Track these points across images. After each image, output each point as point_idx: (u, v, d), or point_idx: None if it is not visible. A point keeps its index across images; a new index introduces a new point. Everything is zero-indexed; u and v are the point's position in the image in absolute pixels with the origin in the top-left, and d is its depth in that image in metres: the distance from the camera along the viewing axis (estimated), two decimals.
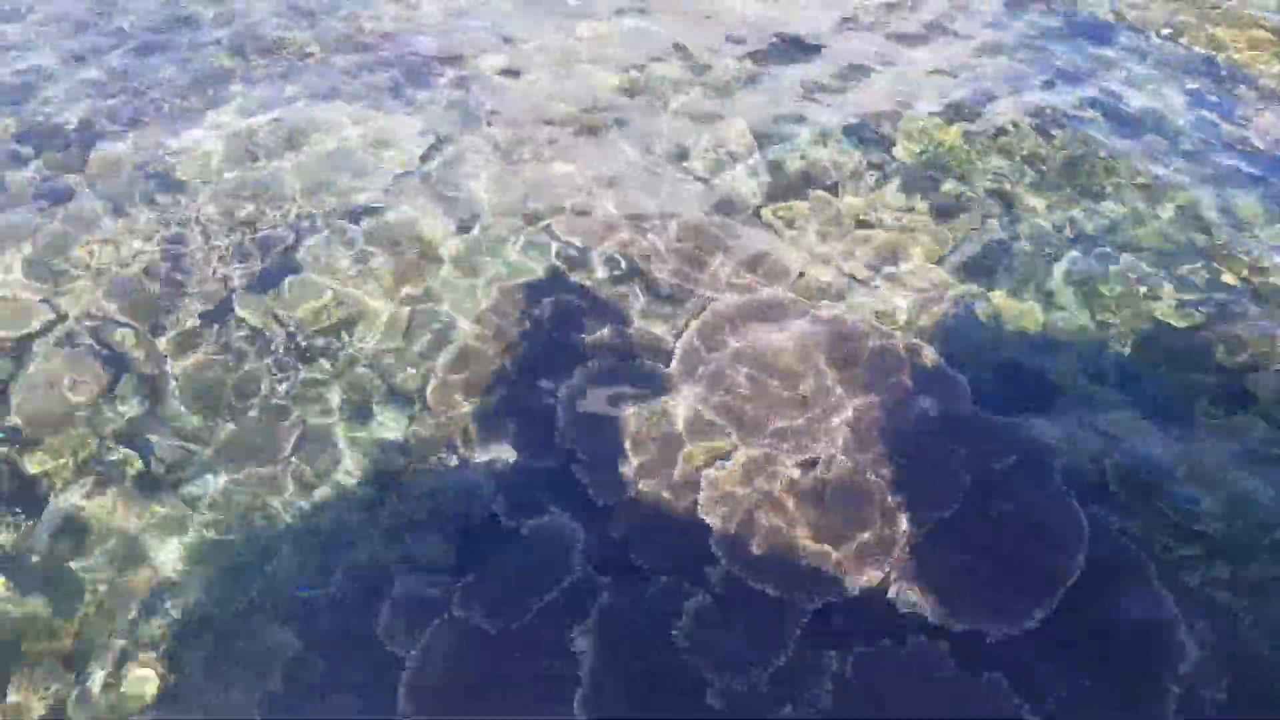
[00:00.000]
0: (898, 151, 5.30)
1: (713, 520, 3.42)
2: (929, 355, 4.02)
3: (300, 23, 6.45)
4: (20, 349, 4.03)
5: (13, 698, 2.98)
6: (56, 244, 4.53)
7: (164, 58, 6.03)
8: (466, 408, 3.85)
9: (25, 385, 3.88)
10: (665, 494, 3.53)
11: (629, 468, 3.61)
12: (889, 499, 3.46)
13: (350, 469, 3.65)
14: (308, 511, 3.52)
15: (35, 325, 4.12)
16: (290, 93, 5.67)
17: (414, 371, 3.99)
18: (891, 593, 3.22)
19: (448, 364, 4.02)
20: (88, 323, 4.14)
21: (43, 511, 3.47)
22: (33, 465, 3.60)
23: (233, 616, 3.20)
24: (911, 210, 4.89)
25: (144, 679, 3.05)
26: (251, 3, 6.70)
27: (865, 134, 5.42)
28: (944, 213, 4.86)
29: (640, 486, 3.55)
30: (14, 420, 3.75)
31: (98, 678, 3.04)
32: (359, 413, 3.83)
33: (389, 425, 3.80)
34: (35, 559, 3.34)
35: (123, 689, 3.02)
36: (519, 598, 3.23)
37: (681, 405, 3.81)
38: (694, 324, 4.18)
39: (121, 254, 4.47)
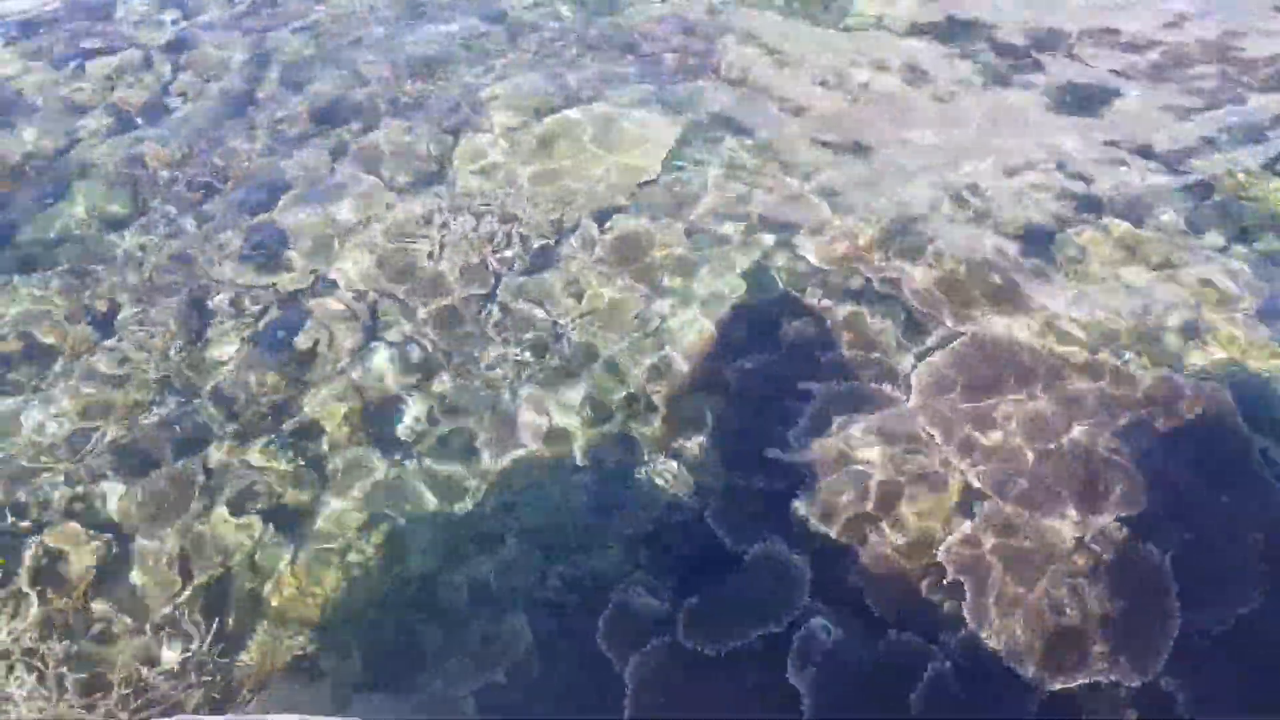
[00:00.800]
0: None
1: (960, 579, 3.14)
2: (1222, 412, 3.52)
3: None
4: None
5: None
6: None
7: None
8: (693, 417, 3.74)
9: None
10: (905, 542, 3.28)
11: (868, 507, 3.37)
12: (1170, 585, 3.05)
13: (584, 466, 3.62)
14: (541, 505, 3.51)
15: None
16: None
17: (643, 377, 3.91)
18: (1163, 686, 2.84)
19: (675, 371, 3.93)
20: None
21: None
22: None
23: (458, 600, 3.24)
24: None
25: None
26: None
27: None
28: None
29: (881, 529, 3.32)
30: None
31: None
32: (598, 411, 3.79)
33: (622, 426, 3.74)
34: None
35: None
36: (740, 625, 3.08)
37: (931, 453, 3.53)
38: (947, 363, 3.88)
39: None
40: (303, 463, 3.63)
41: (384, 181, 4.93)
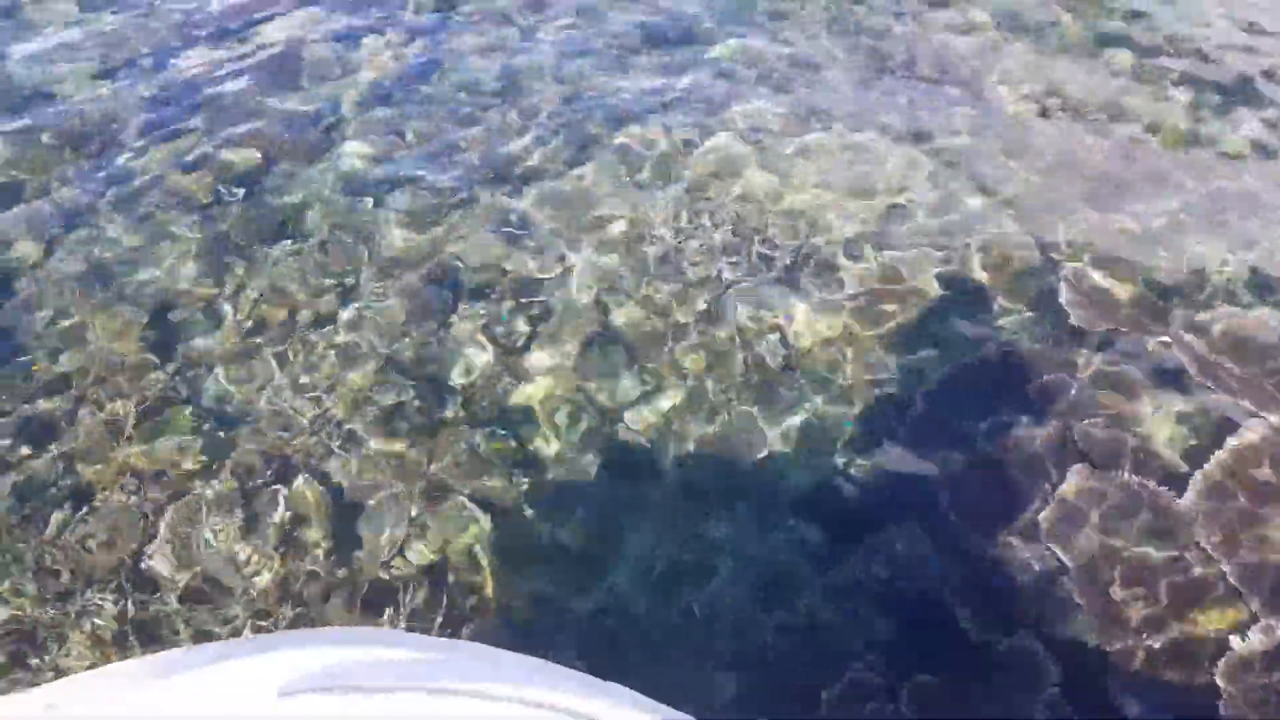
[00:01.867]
0: None
1: (1232, 696, 2.79)
2: None
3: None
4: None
5: None
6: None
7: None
8: (932, 469, 3.51)
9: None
10: (1169, 647, 2.95)
11: (1130, 605, 3.06)
12: None
13: (807, 507, 3.47)
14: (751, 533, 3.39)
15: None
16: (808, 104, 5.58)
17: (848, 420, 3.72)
18: None
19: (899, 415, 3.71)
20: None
21: None
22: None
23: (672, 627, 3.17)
24: None
25: None
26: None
27: None
28: None
29: (1140, 631, 3.00)
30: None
31: None
32: (819, 445, 3.64)
33: (850, 467, 3.57)
34: None
35: None
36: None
37: (1198, 554, 3.17)
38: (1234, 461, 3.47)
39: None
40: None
41: (631, 178, 4.92)
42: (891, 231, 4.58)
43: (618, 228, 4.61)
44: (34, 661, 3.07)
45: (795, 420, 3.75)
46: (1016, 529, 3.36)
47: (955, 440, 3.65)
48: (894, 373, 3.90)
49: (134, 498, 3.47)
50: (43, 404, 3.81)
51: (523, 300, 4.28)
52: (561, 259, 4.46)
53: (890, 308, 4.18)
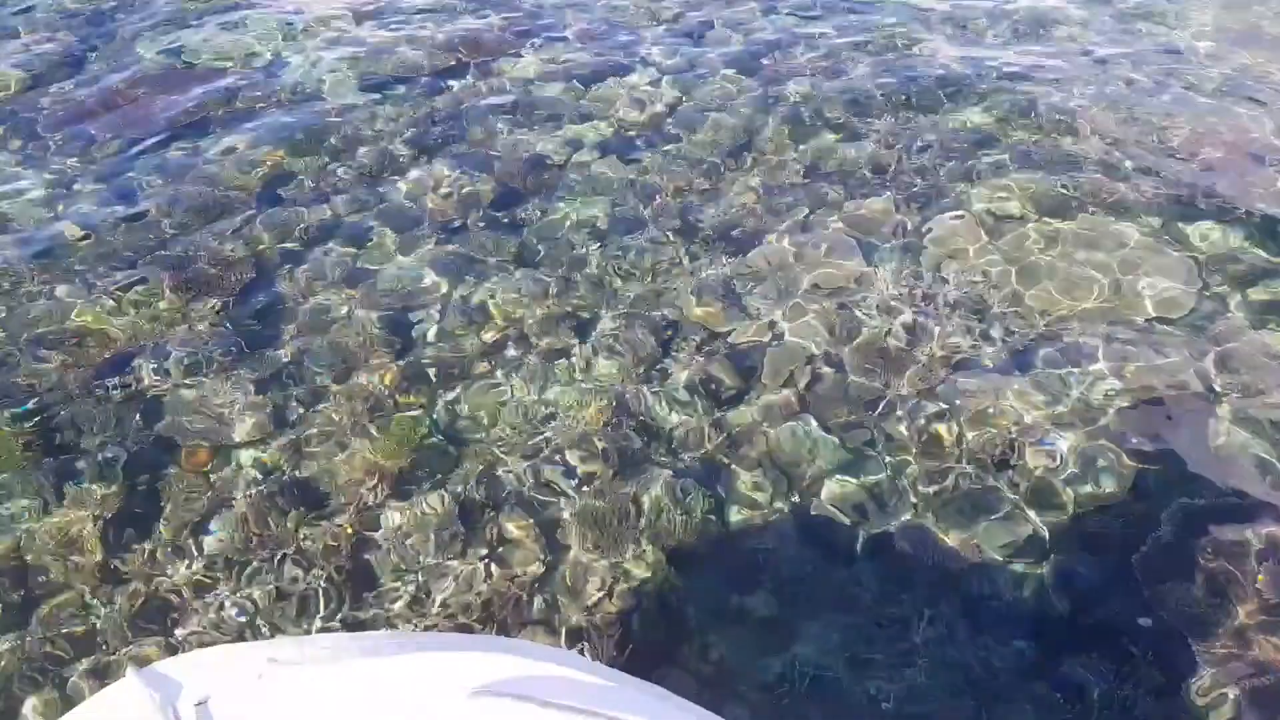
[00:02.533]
0: None
1: None
2: None
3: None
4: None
5: None
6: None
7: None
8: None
9: None
10: None
11: None
12: None
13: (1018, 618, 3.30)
14: None
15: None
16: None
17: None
18: None
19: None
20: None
21: None
22: None
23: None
24: None
25: None
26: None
27: None
28: None
29: None
30: None
31: None
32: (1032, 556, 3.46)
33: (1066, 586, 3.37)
34: None
35: None
36: None
37: None
38: None
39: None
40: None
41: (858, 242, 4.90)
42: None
43: (838, 295, 4.60)
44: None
45: (1009, 527, 3.59)
46: None
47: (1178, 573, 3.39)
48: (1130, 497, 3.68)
49: (368, 495, 3.72)
50: (294, 388, 4.17)
51: (737, 357, 4.33)
52: (774, 322, 4.49)
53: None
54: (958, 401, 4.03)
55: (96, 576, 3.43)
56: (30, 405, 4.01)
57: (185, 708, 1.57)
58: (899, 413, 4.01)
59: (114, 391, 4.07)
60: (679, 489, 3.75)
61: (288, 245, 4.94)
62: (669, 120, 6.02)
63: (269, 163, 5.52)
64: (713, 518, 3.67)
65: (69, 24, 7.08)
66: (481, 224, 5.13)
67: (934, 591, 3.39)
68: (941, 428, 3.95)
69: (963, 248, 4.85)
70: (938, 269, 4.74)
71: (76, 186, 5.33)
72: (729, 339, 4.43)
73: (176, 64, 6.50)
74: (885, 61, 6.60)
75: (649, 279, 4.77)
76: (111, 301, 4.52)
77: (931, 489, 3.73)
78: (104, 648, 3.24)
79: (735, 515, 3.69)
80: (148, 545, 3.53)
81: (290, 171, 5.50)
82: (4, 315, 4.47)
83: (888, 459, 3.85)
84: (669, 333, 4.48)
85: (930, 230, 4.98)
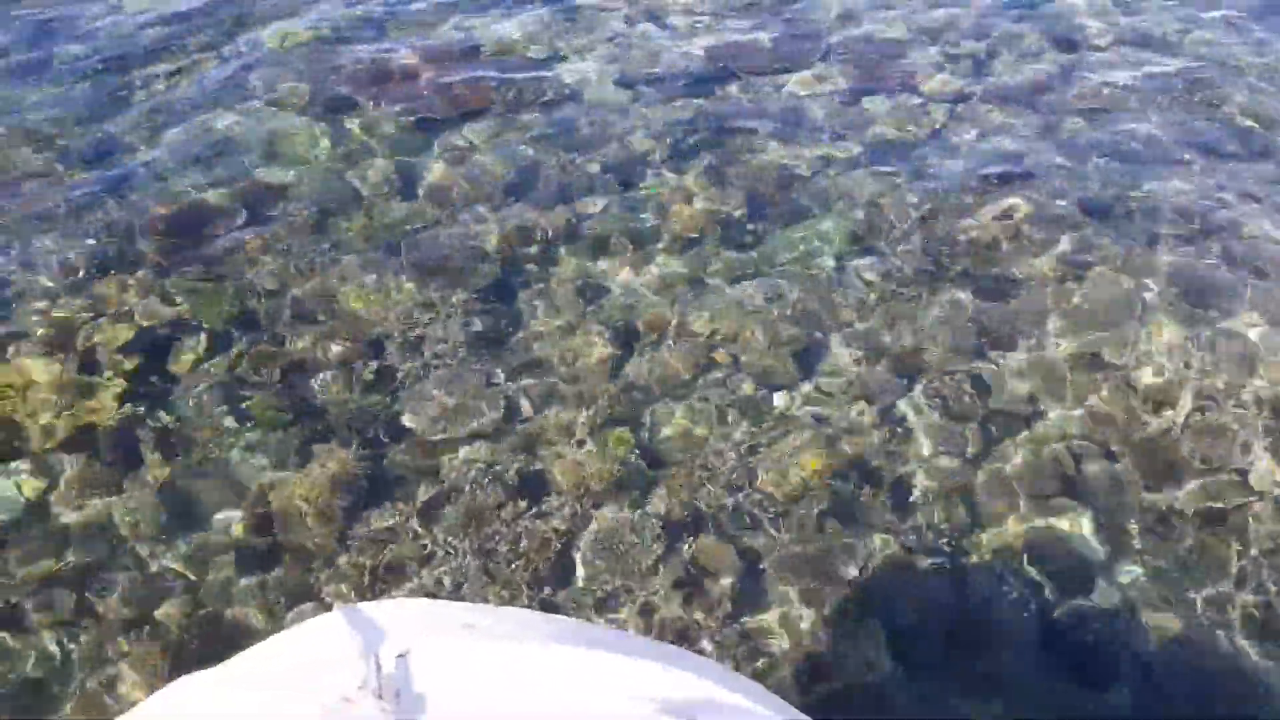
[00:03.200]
0: None
1: None
2: None
3: None
4: None
5: None
6: None
7: None
8: None
9: None
10: None
11: None
12: None
13: None
14: None
15: None
16: None
17: None
18: None
19: None
20: None
21: None
22: None
23: None
24: None
25: None
26: None
27: None
28: None
29: None
30: None
31: None
32: None
33: None
34: None
35: None
36: None
37: None
38: None
39: None
40: None
41: None
42: None
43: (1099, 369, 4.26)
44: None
45: None
46: None
47: None
48: None
49: (574, 504, 3.84)
50: (520, 383, 4.34)
51: (992, 419, 4.11)
52: (1031, 394, 4.21)
53: None
54: None
55: (326, 537, 3.73)
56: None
57: (386, 655, 1.56)
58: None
59: (365, 367, 4.37)
60: (902, 549, 3.61)
61: (529, 249, 5.05)
62: (928, 145, 5.77)
63: (525, 158, 5.72)
64: (929, 581, 3.51)
65: None
66: (721, 240, 5.11)
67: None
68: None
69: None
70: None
71: (366, 157, 5.76)
72: (978, 381, 4.21)
73: (467, 46, 6.84)
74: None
75: (888, 312, 4.60)
76: (373, 280, 4.82)
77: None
78: (325, 606, 3.50)
79: (963, 578, 3.53)
80: (375, 514, 3.80)
81: (537, 163, 5.67)
82: (277, 272, 4.87)
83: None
84: (913, 375, 4.30)
85: None
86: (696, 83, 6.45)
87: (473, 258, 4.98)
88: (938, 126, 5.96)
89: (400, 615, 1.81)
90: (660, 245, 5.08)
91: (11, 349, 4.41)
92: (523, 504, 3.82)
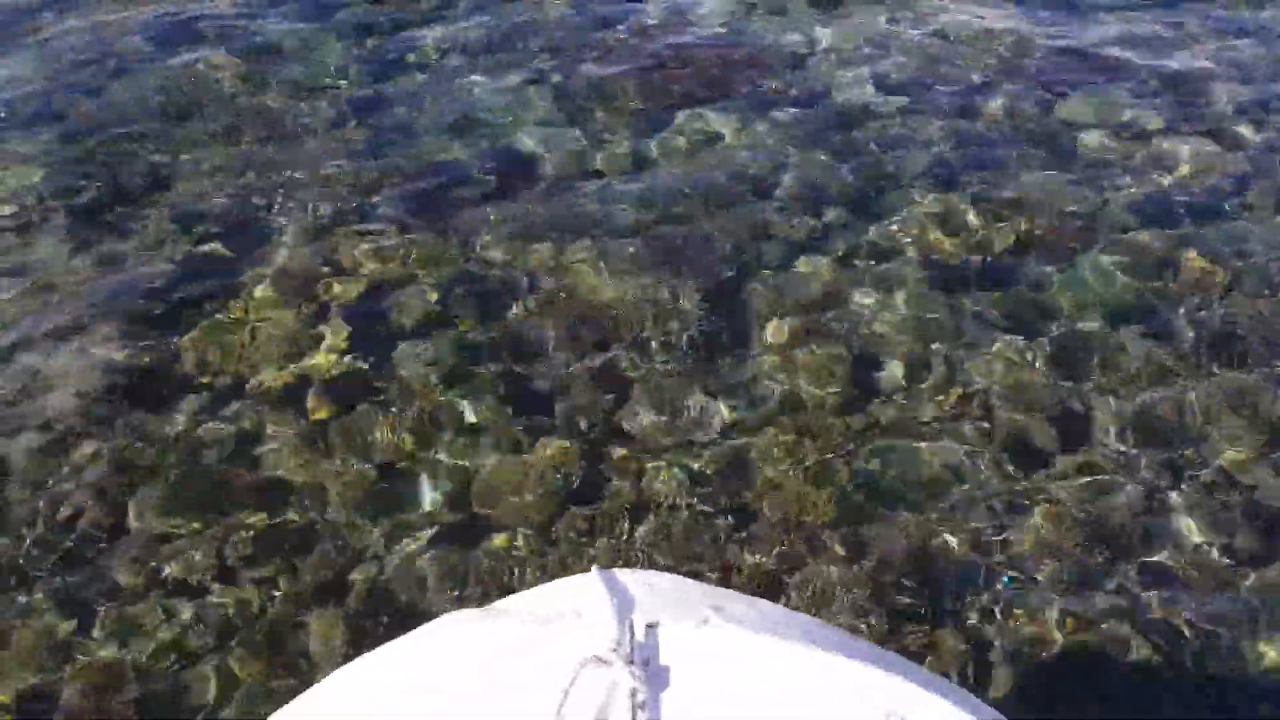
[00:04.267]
0: None
1: None
2: None
3: None
4: None
5: None
6: None
7: None
8: None
9: None
10: None
11: None
12: None
13: None
14: None
15: None
16: None
17: None
18: None
19: None
20: None
21: None
22: None
23: None
24: None
25: None
26: None
27: None
28: None
29: None
30: None
31: None
32: None
33: None
34: None
35: None
36: None
37: None
38: None
39: None
40: None
41: None
42: None
43: None
44: None
45: None
46: None
47: None
48: None
49: (784, 537, 3.48)
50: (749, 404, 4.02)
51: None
52: None
53: None
54: None
55: (535, 524, 3.55)
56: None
57: (638, 623, 1.60)
58: None
59: (592, 362, 4.16)
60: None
61: (767, 253, 4.72)
62: (1233, 199, 5.02)
63: (770, 155, 5.37)
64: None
65: None
66: (983, 275, 4.58)
67: None
68: None
69: None
70: None
71: (607, 139, 5.56)
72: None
73: (725, 34, 6.55)
74: None
75: (1163, 385, 3.98)
76: (608, 267, 4.62)
77: None
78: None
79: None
80: (581, 513, 3.58)
81: (783, 162, 5.31)
82: (512, 244, 4.75)
83: None
84: (1181, 459, 3.71)
85: None
86: (966, 94, 5.88)
87: (709, 257, 4.68)
88: (1244, 174, 5.18)
89: (653, 586, 1.85)
90: (911, 271, 4.59)
91: (247, 291, 4.46)
92: (730, 527, 3.51)
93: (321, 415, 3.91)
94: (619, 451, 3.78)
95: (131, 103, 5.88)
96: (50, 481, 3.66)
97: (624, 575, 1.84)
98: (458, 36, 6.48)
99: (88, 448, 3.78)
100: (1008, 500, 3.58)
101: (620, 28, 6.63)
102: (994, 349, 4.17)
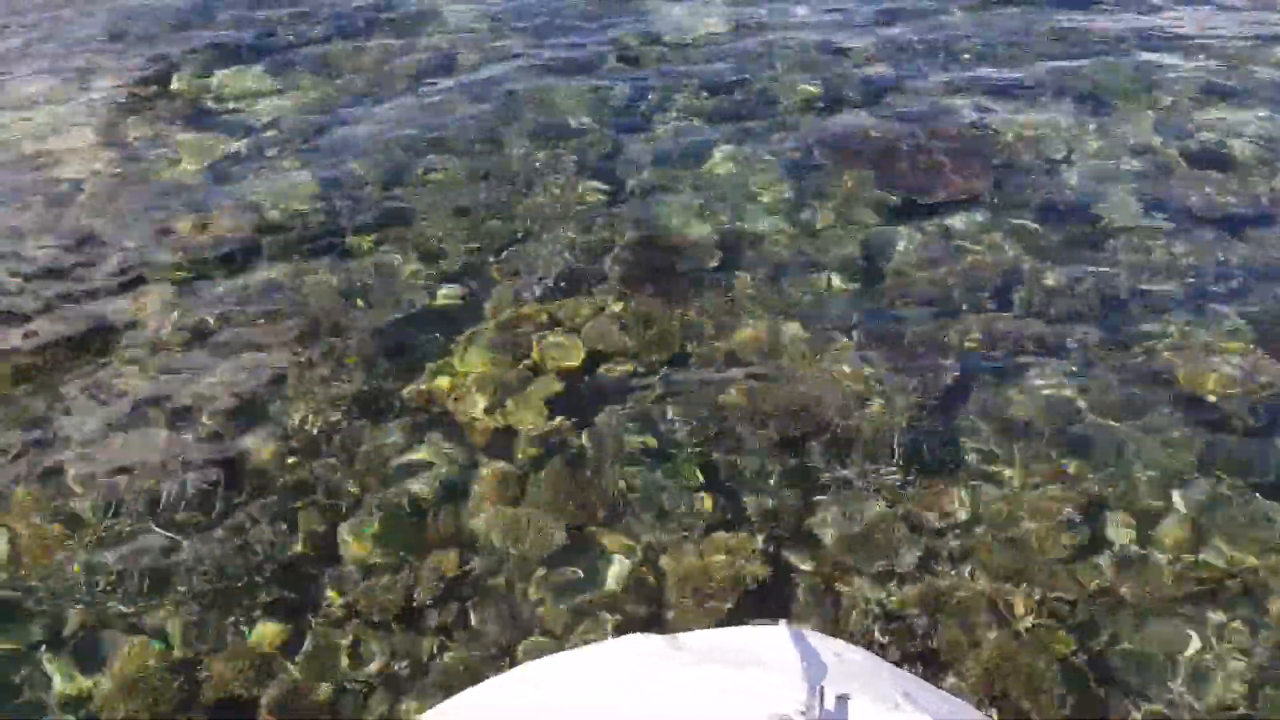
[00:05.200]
0: None
1: None
2: None
3: None
4: None
5: None
6: None
7: None
8: None
9: None
10: None
11: None
12: None
13: None
14: None
15: None
16: None
17: None
18: None
19: None
20: None
21: None
22: None
23: None
24: None
25: None
26: None
27: None
28: None
29: None
30: None
31: None
32: None
33: None
34: None
35: None
36: None
37: None
38: None
39: None
40: None
41: None
42: None
43: None
44: None
45: None
46: None
47: None
48: None
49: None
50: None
51: None
52: None
53: None
54: None
55: (712, 623, 3.45)
56: None
57: (829, 693, 1.58)
58: None
59: (791, 457, 4.05)
60: None
61: (994, 363, 4.48)
62: None
63: (1009, 262, 5.09)
64: None
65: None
66: (1259, 433, 4.08)
67: None
68: None
69: None
70: None
71: (836, 229, 5.44)
72: None
73: (970, 126, 6.30)
74: None
75: None
76: (822, 352, 4.51)
77: None
78: None
79: None
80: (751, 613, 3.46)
81: (1021, 270, 5.03)
82: (731, 319, 4.72)
83: None
84: None
85: None
86: (1235, 221, 5.35)
87: (935, 356, 4.48)
88: None
89: (842, 657, 1.83)
90: (1164, 406, 4.18)
91: (468, 337, 4.64)
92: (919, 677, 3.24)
93: (522, 469, 4.00)
94: (806, 564, 3.64)
95: (384, 132, 6.27)
96: (275, 496, 3.90)
97: (814, 639, 1.81)
98: (702, 106, 6.53)
99: (316, 466, 4.02)
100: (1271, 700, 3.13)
101: (872, 105, 6.49)
102: (1257, 511, 3.71)
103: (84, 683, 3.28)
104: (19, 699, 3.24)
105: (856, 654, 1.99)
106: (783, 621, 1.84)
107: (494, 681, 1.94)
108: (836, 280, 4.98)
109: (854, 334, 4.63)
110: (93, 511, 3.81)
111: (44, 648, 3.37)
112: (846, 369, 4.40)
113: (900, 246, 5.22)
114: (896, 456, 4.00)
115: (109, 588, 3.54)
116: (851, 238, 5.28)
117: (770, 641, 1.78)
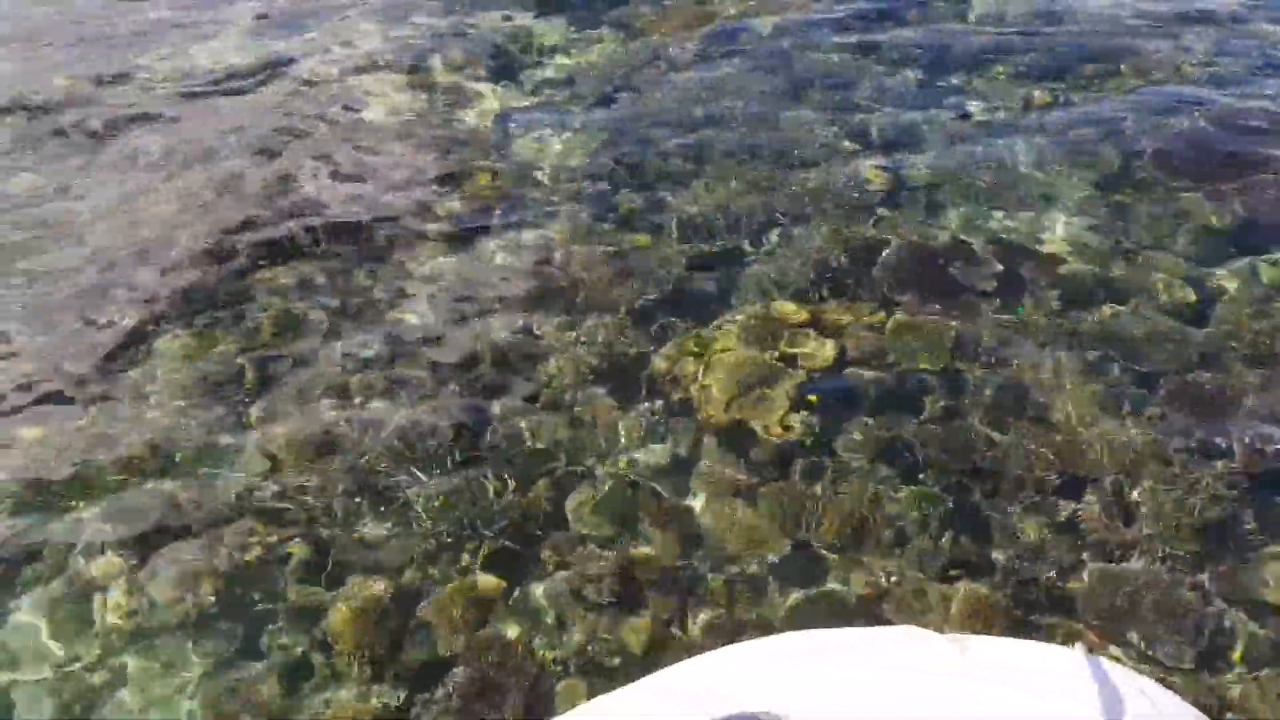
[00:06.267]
0: None
1: None
2: None
3: None
4: None
5: None
6: None
7: None
8: None
9: None
10: None
11: None
12: None
13: None
14: None
15: None
16: None
17: None
18: None
19: None
20: None
21: None
22: None
23: None
24: None
25: None
26: None
27: None
28: None
29: None
30: None
31: None
32: None
33: None
34: None
35: None
36: None
37: None
38: None
39: None
40: None
41: None
42: None
43: None
44: None
45: None
46: None
47: None
48: None
49: None
50: None
51: None
52: None
53: None
54: None
55: None
56: None
57: None
58: None
59: (1055, 508, 3.60)
60: None
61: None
62: None
63: None
64: None
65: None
66: None
67: None
68: None
69: None
70: None
71: (1154, 259, 4.77)
72: None
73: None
74: None
75: None
76: (1101, 400, 3.99)
77: None
78: None
79: None
80: None
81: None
82: (1007, 341, 4.28)
83: None
84: None
85: None
86: None
87: (1244, 424, 3.85)
88: None
89: (1147, 694, 1.70)
90: None
91: (721, 322, 4.49)
92: None
93: (755, 470, 3.81)
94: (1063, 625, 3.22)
95: (673, 107, 6.22)
96: (515, 453, 3.95)
97: (1115, 672, 1.67)
98: (1020, 93, 5.98)
99: (561, 417, 4.05)
100: None
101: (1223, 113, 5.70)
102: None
103: (322, 595, 3.46)
104: (257, 596, 3.47)
105: (1162, 695, 1.76)
106: (1078, 645, 1.74)
107: (740, 648, 1.88)
108: (1146, 320, 4.36)
109: (1160, 388, 4.05)
110: (348, 440, 4.01)
111: (284, 560, 3.59)
112: (1135, 431, 3.84)
113: (1233, 289, 4.49)
114: (1187, 531, 3.45)
115: (350, 515, 3.72)
116: (1171, 270, 4.62)
117: (1065, 668, 1.64)
